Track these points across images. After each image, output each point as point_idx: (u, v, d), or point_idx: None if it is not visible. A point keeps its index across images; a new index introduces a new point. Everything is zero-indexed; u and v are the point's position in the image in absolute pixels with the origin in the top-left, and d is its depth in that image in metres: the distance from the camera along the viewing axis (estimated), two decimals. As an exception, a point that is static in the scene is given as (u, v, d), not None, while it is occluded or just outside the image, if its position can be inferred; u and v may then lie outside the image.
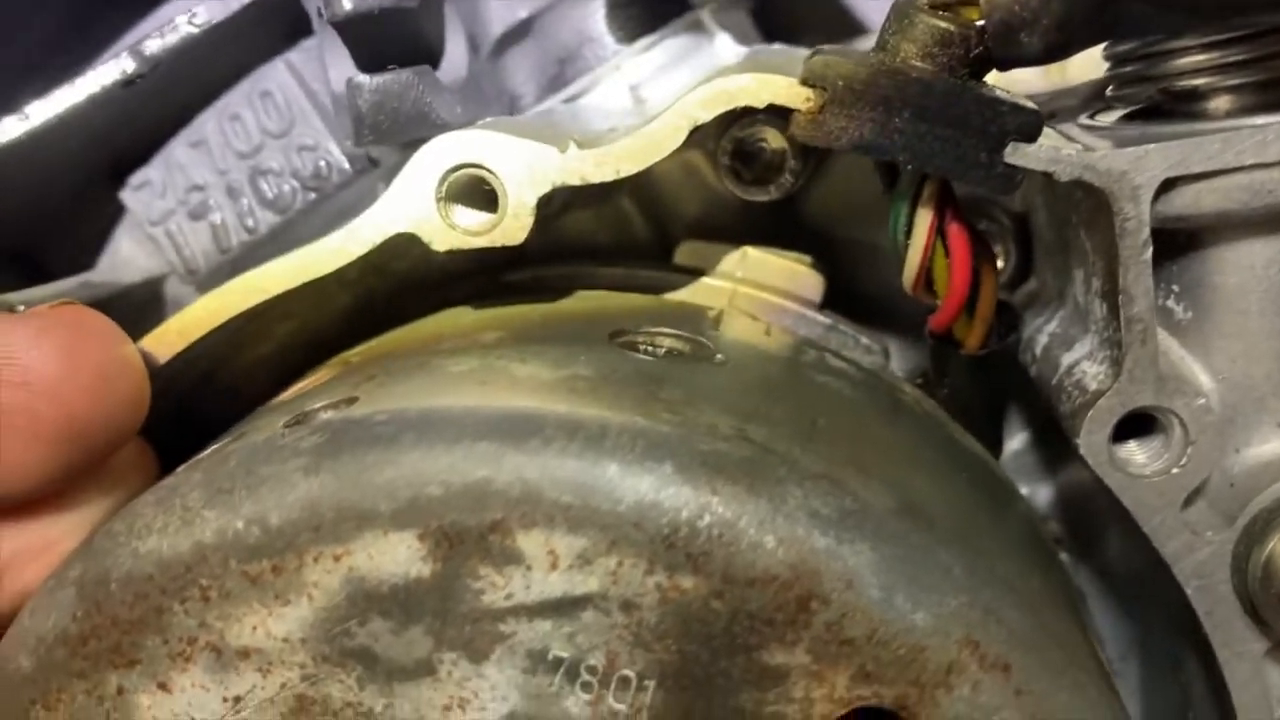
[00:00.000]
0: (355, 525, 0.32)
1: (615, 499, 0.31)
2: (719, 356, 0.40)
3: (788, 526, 0.31)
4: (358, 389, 0.37)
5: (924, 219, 0.39)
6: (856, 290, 0.50)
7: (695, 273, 0.48)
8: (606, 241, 0.53)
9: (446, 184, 0.40)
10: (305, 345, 0.50)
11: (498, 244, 0.40)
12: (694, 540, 0.31)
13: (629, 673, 0.32)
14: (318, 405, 0.37)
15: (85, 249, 0.53)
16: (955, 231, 0.39)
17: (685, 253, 0.49)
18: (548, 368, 0.37)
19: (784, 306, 0.47)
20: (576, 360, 0.38)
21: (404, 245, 0.43)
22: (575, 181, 0.40)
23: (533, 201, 0.39)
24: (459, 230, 0.40)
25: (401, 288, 0.51)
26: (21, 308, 0.46)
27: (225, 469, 0.34)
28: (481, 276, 0.51)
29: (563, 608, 0.32)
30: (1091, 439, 0.38)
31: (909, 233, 0.40)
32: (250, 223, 0.49)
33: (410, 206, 0.40)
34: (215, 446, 0.38)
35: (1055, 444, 0.51)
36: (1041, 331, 0.45)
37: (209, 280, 0.51)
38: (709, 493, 0.31)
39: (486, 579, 0.32)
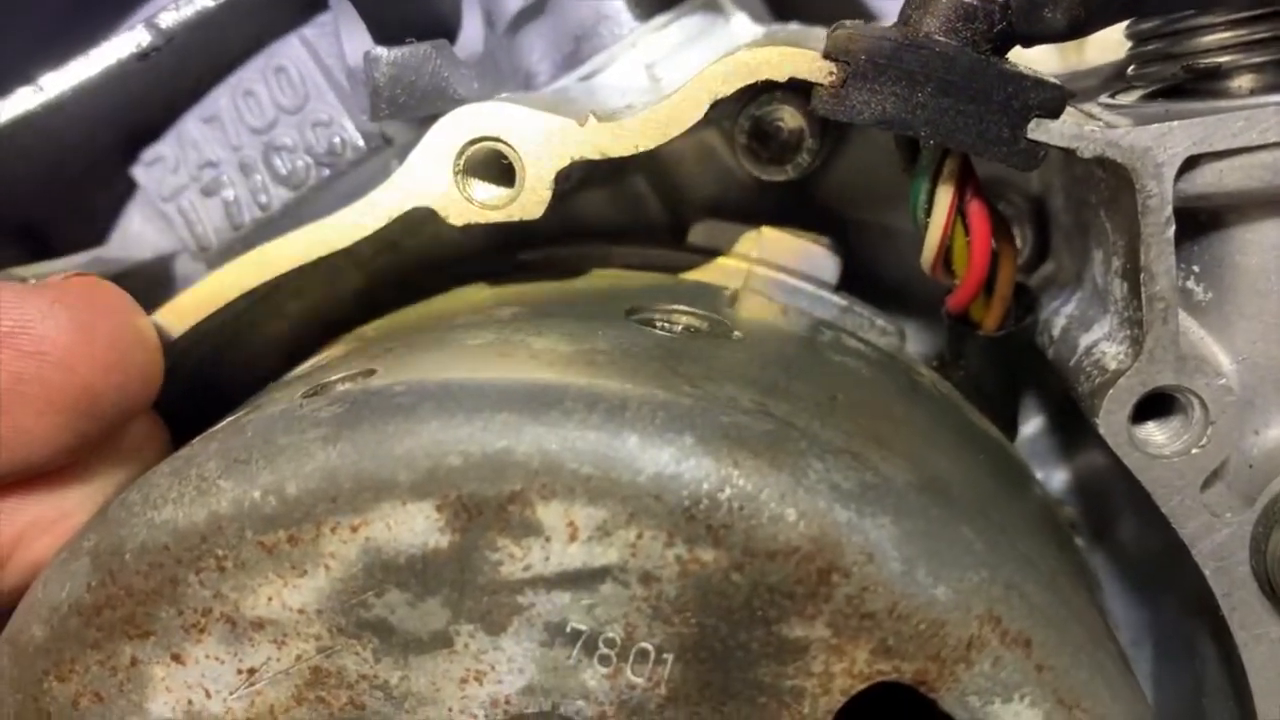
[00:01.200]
0: (373, 495, 0.32)
1: (635, 470, 0.31)
2: (736, 334, 0.40)
3: (809, 499, 0.31)
4: (375, 361, 0.37)
5: (944, 196, 0.39)
6: (870, 273, 0.50)
7: (710, 252, 0.47)
8: (620, 222, 0.52)
9: (464, 157, 0.39)
10: (317, 323, 0.50)
11: (515, 219, 0.40)
12: (715, 513, 0.31)
13: (648, 646, 0.32)
14: (335, 378, 0.36)
15: (95, 225, 0.52)
16: (975, 209, 0.39)
17: (700, 232, 0.48)
18: (565, 341, 0.37)
19: (799, 287, 0.46)
20: (594, 335, 0.37)
21: (418, 222, 0.43)
22: (594, 155, 0.39)
23: (551, 175, 0.39)
24: (476, 204, 0.40)
25: (414, 266, 0.51)
26: (32, 281, 0.46)
27: (242, 439, 0.34)
28: (494, 255, 0.51)
29: (581, 580, 0.32)
30: (1111, 419, 0.38)
31: (929, 211, 0.39)
32: (263, 199, 0.49)
33: (427, 180, 0.40)
34: (230, 419, 0.38)
35: (1071, 428, 0.51)
36: (1059, 314, 0.45)
37: (221, 258, 0.51)
38: (730, 465, 0.31)
39: (505, 550, 0.32)
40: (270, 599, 0.33)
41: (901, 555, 0.31)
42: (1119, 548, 0.50)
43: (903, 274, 0.49)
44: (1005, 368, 0.46)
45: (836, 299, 0.47)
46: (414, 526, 0.32)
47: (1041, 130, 0.36)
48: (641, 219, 0.52)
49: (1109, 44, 0.45)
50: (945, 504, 0.33)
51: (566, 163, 0.39)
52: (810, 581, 0.31)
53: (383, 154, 0.50)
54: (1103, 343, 0.40)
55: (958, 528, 0.32)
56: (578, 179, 0.44)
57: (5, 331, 0.35)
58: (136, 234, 0.52)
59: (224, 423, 0.37)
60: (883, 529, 0.31)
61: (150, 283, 0.52)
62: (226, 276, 0.42)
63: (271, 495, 0.33)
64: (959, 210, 0.39)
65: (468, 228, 0.41)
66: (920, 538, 0.31)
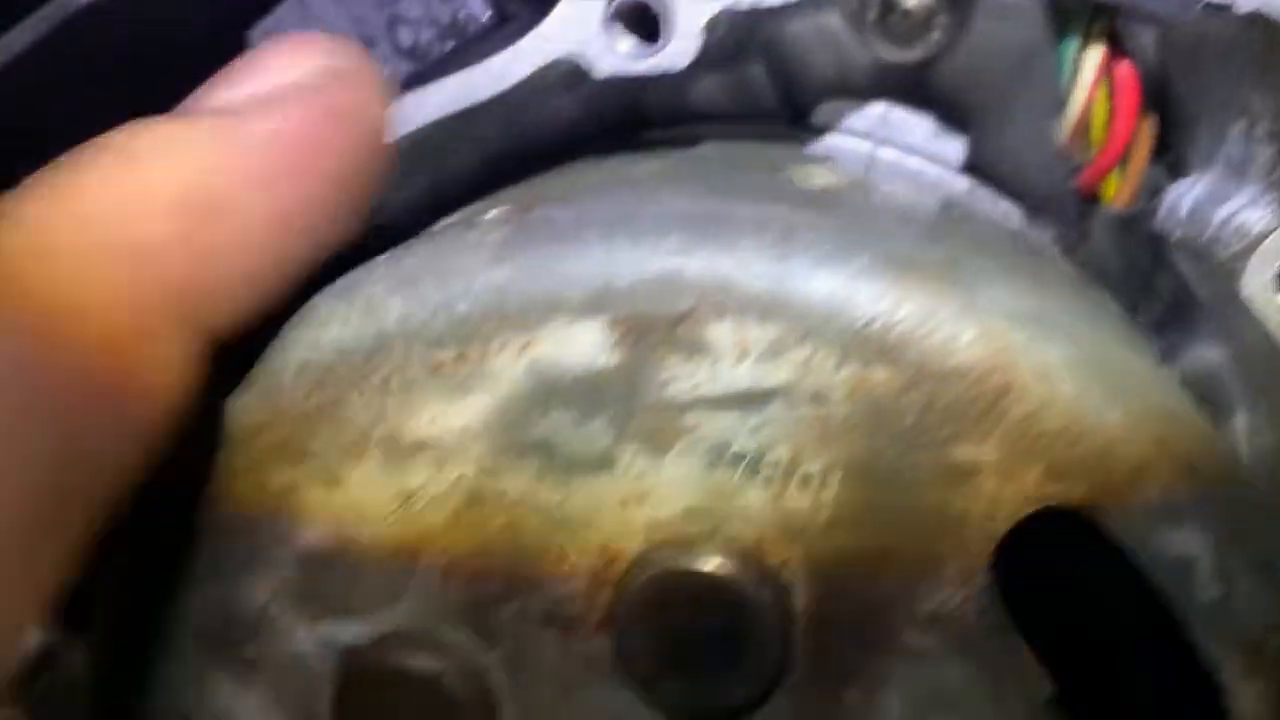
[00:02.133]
0: (543, 313, 0.32)
1: (810, 289, 0.31)
2: (876, 196, 0.40)
3: (985, 320, 0.31)
4: (532, 198, 0.37)
5: (1093, 56, 0.39)
6: (984, 162, 0.50)
7: (835, 132, 0.47)
8: (734, 110, 0.52)
9: (613, 4, 0.39)
10: (427, 210, 0.50)
11: (660, 70, 0.40)
12: (889, 331, 0.31)
13: (812, 468, 0.32)
14: (492, 214, 0.37)
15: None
16: (1124, 67, 0.39)
17: (825, 112, 0.48)
18: (713, 193, 0.37)
19: (924, 168, 0.47)
20: (741, 185, 0.38)
21: (540, 94, 0.43)
22: (744, 6, 0.39)
23: (700, 24, 0.39)
24: (622, 54, 0.40)
25: (528, 149, 0.51)
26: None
27: (410, 261, 0.34)
28: (608, 140, 0.51)
29: (749, 400, 0.32)
30: (1255, 281, 0.38)
31: (1075, 74, 0.39)
32: (386, 72, 0.49)
33: (573, 30, 0.40)
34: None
35: (1180, 328, 0.51)
36: (1187, 196, 0.45)
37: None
38: (906, 284, 0.31)
39: (673, 370, 0.32)
40: (433, 419, 0.34)
41: (1075, 377, 0.31)
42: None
43: (1016, 167, 0.49)
44: (1129, 251, 0.46)
45: (962, 180, 0.47)
46: (582, 345, 0.32)
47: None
48: (756, 107, 0.51)
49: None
50: (1109, 336, 0.33)
51: (716, 9, 0.39)
52: (984, 402, 0.31)
53: (502, 32, 0.50)
54: (1243, 211, 0.40)
55: (1126, 355, 0.32)
56: (722, 39, 0.44)
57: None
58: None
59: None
60: (1057, 350, 0.31)
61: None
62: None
63: (440, 313, 0.33)
64: (1107, 73, 0.39)
65: (605, 88, 0.41)
66: (1093, 362, 0.31)
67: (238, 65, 0.34)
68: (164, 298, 0.29)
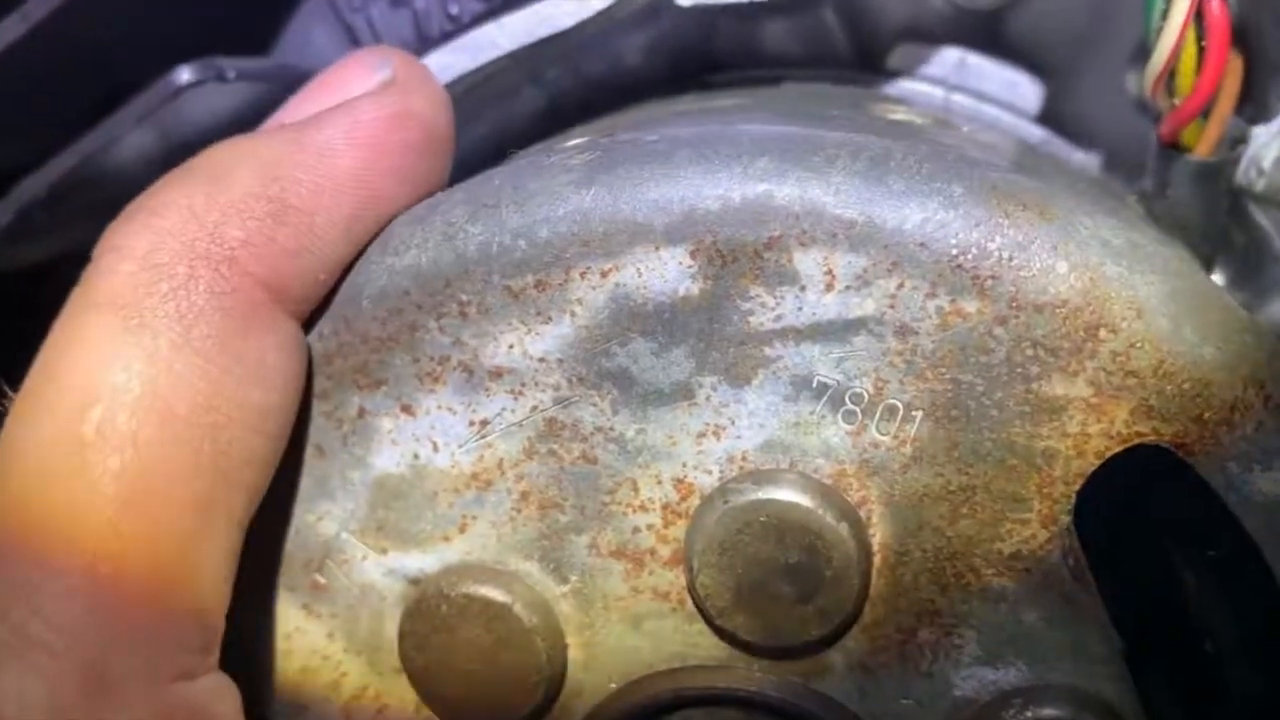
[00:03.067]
0: (626, 240, 0.32)
1: (902, 217, 0.31)
2: (959, 133, 0.40)
3: (1080, 252, 0.30)
4: (613, 128, 0.37)
5: (1184, -2, 0.38)
6: (1060, 112, 0.49)
7: (909, 77, 0.47)
8: (803, 55, 0.51)
9: (698, -65, 0.39)
10: (492, 153, 0.50)
11: (746, -1, 0.39)
12: (983, 262, 0.30)
13: (896, 402, 0.32)
14: (575, 140, 0.36)
15: (272, 34, 0.52)
16: (1216, 7, 0.38)
17: (900, 56, 0.48)
18: (799, 119, 0.36)
19: (1000, 116, 0.46)
20: (828, 116, 0.37)
21: (616, 27, 0.42)
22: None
23: (785, -44, 0.39)
24: (699, -15, 0.39)
25: (593, 92, 0.50)
26: (232, 74, 0.46)
27: (490, 186, 0.34)
28: (676, 83, 0.50)
29: (834, 331, 0.32)
30: (1346, 226, 0.37)
31: (1165, 14, 0.39)
32: (454, 10, 0.49)
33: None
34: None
35: (1255, 284, 0.50)
36: (1270, 146, 0.44)
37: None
38: (1001, 214, 0.31)
39: (757, 299, 0.32)
40: (511, 347, 0.33)
41: (1170, 313, 0.30)
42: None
43: (1092, 117, 0.49)
44: (1208, 202, 0.45)
45: (1037, 130, 0.46)
46: (665, 273, 0.32)
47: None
48: (826, 52, 0.51)
49: None
50: (1200, 275, 0.32)
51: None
52: (1076, 336, 0.30)
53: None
54: (1332, 160, 0.39)
55: (1220, 294, 0.31)
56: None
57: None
58: (318, 49, 0.51)
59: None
60: (1152, 285, 0.30)
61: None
62: (444, 59, 0.41)
63: (521, 239, 0.33)
64: (1197, 13, 0.38)
65: (681, 24, 0.41)
66: (1188, 297, 0.31)
67: (315, 81, 0.38)
68: (265, 293, 0.32)
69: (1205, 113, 0.42)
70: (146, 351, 0.30)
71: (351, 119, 0.34)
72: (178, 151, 0.47)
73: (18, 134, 0.48)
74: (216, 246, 0.32)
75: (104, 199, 0.49)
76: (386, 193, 0.34)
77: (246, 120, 0.47)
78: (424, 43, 0.50)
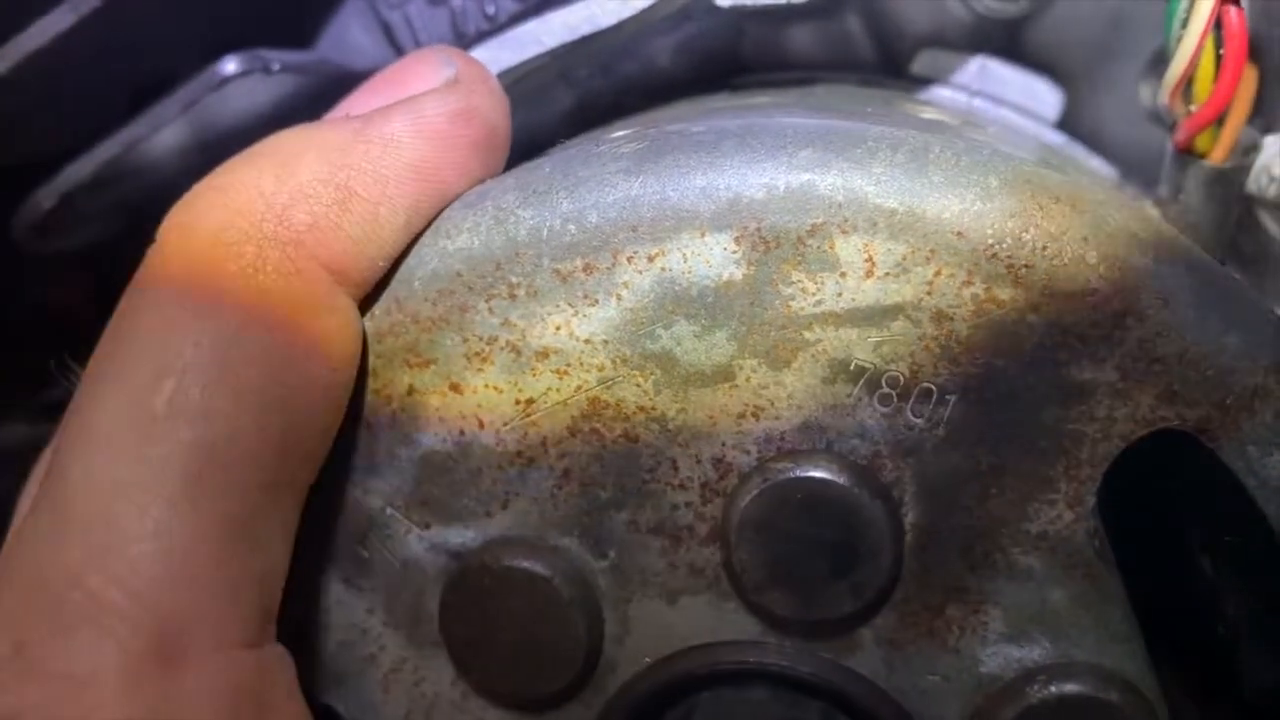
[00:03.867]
0: (673, 226, 0.33)
1: (940, 207, 0.32)
2: (987, 132, 0.41)
3: (1110, 244, 0.32)
4: (656, 123, 0.38)
5: (1205, 2, 0.39)
6: (1077, 118, 0.51)
7: (931, 82, 0.48)
8: (827, 60, 0.53)
9: (737, -61, 0.40)
10: (522, 150, 0.51)
11: (783, 0, 0.40)
12: (1018, 251, 0.32)
13: (931, 386, 0.33)
14: (622, 131, 0.37)
15: (311, 29, 0.53)
16: (1235, 15, 0.39)
17: (922, 61, 0.49)
18: (839, 115, 0.38)
19: (1020, 123, 0.47)
20: (864, 114, 0.38)
21: (652, 29, 0.44)
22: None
23: (822, -40, 0.40)
24: (744, -13, 0.41)
25: (622, 93, 0.52)
26: (276, 66, 0.47)
27: (541, 173, 0.35)
28: (704, 86, 0.51)
29: (872, 316, 0.33)
30: (1355, 232, 0.39)
31: (1185, 22, 0.40)
32: (490, 10, 0.50)
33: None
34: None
35: (1262, 288, 0.52)
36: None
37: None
38: (1035, 207, 0.32)
39: (798, 284, 0.33)
40: (558, 328, 0.34)
41: (1195, 302, 0.32)
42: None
43: (1109, 123, 0.50)
44: (1219, 208, 0.47)
45: (1056, 136, 0.48)
46: (710, 258, 0.33)
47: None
48: (850, 57, 0.52)
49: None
50: (1220, 268, 0.34)
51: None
52: (1105, 324, 0.32)
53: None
54: (1343, 167, 0.41)
55: (1241, 286, 0.33)
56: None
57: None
58: (355, 45, 0.53)
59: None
60: (1178, 276, 0.32)
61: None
62: (485, 55, 0.43)
63: (571, 224, 0.34)
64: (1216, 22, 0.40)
65: (710, 28, 0.42)
66: (1212, 288, 0.32)
67: (380, 75, 0.39)
68: (328, 273, 0.34)
69: (1220, 120, 0.43)
70: (217, 327, 0.31)
71: (417, 113, 0.35)
72: (211, 143, 0.49)
73: (62, 121, 0.49)
74: (285, 229, 0.33)
75: (136, 187, 0.50)
76: (447, 185, 0.36)
77: (283, 114, 0.49)
78: (460, 41, 0.51)
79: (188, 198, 0.34)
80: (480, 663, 0.37)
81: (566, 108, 0.52)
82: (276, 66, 0.47)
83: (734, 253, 0.33)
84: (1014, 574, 0.34)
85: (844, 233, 0.32)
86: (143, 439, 0.31)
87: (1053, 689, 0.34)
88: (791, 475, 0.34)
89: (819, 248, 0.32)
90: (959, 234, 0.32)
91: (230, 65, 0.45)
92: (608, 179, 0.34)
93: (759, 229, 0.33)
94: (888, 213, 0.32)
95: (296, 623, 0.38)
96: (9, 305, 0.60)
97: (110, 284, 0.36)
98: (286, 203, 0.33)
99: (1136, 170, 0.50)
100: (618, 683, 0.37)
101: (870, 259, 0.32)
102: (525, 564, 0.36)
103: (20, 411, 0.60)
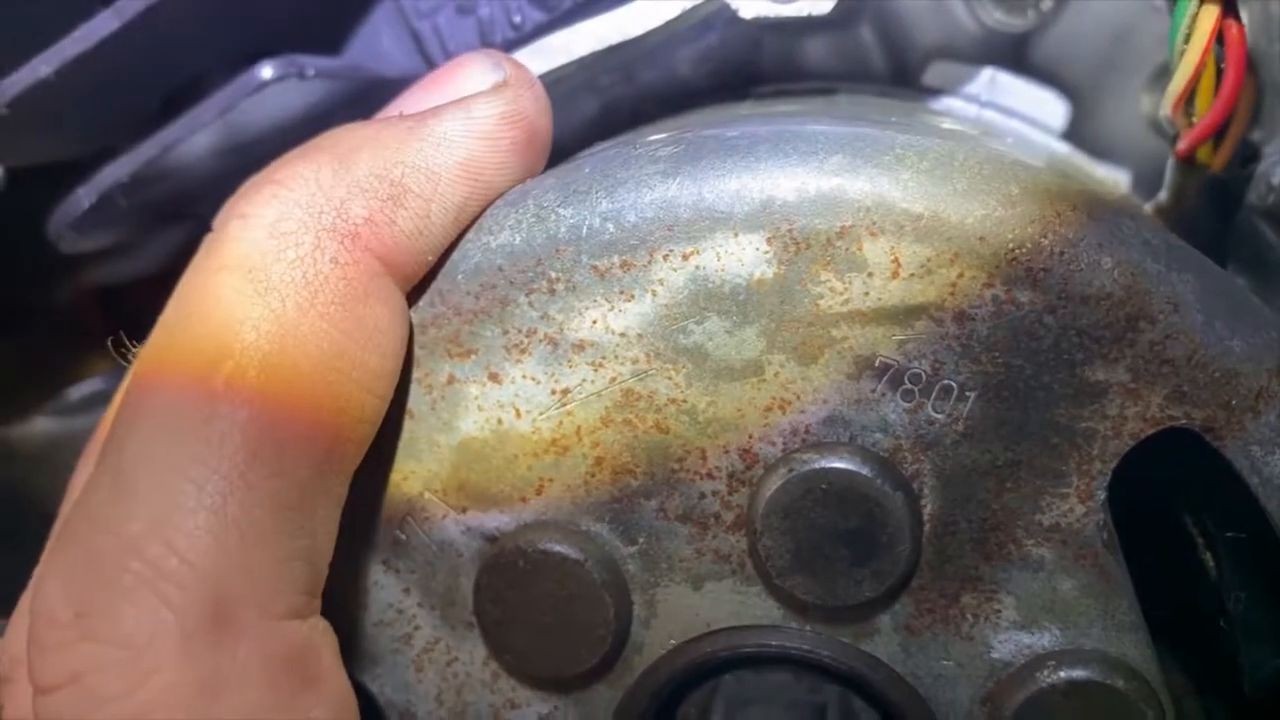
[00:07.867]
0: (708, 226, 0.35)
1: (965, 212, 0.34)
2: (1002, 142, 0.43)
3: (1124, 250, 0.33)
4: (690, 129, 0.40)
5: (1207, 19, 0.41)
6: (1082, 129, 0.52)
7: (941, 93, 0.50)
8: (841, 71, 0.55)
9: (764, -49, 0.42)
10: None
11: (804, 13, 0.42)
12: (1036, 256, 0.33)
13: (952, 382, 0.35)
14: (658, 135, 0.39)
15: (341, 37, 0.55)
16: (1235, 29, 0.41)
17: (933, 74, 0.51)
18: (865, 123, 0.39)
19: (1028, 133, 0.49)
20: (889, 123, 0.40)
21: (677, 37, 0.45)
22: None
23: (846, -26, 0.42)
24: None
25: (643, 101, 0.53)
26: (311, 72, 0.49)
27: (580, 174, 0.36)
28: (721, 95, 0.53)
29: (897, 316, 0.34)
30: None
31: (1188, 37, 0.42)
32: (517, 19, 0.51)
33: (722, -25, 0.43)
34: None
35: (1261, 295, 0.54)
36: (1279, 164, 0.47)
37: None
38: (1053, 214, 0.34)
39: (827, 284, 0.35)
40: (595, 322, 0.36)
41: (1203, 307, 0.33)
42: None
43: (1110, 137, 0.52)
44: (1218, 214, 0.49)
45: (1063, 146, 0.49)
46: (743, 257, 0.35)
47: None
48: (863, 68, 0.54)
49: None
50: (1225, 274, 0.35)
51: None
52: (1118, 327, 0.33)
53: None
54: (1339, 180, 0.43)
55: (1247, 293, 0.35)
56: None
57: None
58: (384, 52, 0.54)
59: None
60: (1188, 283, 0.34)
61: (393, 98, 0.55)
62: (533, 61, 0.44)
63: (610, 222, 0.35)
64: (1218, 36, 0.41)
65: (731, 38, 0.43)
66: (1220, 295, 0.34)
67: (431, 76, 0.40)
68: (381, 265, 0.35)
69: (1220, 131, 0.45)
70: (274, 313, 0.33)
71: (467, 113, 0.37)
72: (243, 146, 0.50)
73: (99, 123, 0.51)
74: (342, 221, 0.34)
75: (167, 188, 0.52)
76: (494, 185, 0.37)
77: (314, 119, 0.50)
78: (486, 47, 0.53)
79: (246, 188, 0.35)
80: (512, 643, 0.38)
81: (591, 114, 0.53)
82: (311, 72, 0.48)
83: (766, 252, 0.34)
84: (1026, 564, 0.35)
85: (872, 235, 0.34)
86: (202, 418, 0.32)
87: (1061, 674, 0.36)
88: (816, 466, 0.35)
89: (848, 249, 0.34)
90: (981, 238, 0.33)
91: (267, 70, 0.46)
92: (645, 180, 0.35)
93: (790, 230, 0.34)
94: (914, 217, 0.34)
95: (335, 602, 0.39)
96: (37, 303, 0.61)
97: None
98: (344, 196, 0.35)
99: (1139, 179, 0.52)
100: (644, 664, 0.38)
101: (896, 261, 0.34)
102: (558, 548, 0.37)
103: (43, 408, 0.61)
